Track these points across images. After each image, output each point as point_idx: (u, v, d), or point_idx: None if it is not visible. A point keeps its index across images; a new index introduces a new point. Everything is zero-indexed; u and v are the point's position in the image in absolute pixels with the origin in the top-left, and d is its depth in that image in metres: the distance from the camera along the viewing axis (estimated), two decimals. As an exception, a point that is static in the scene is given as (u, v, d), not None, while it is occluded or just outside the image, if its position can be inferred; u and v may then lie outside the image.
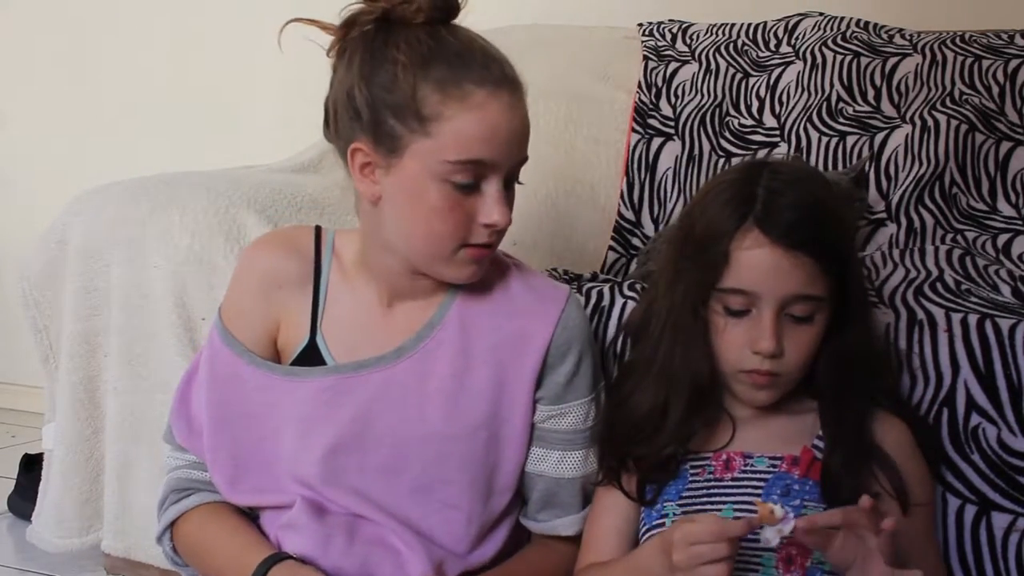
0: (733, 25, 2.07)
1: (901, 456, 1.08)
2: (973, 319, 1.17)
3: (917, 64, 1.85)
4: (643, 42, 2.08)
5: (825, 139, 1.81)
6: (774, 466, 1.08)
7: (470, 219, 1.07)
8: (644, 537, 1.13)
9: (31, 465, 2.09)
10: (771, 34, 2.04)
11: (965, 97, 1.77)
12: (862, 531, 0.94)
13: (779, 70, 1.95)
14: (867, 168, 1.74)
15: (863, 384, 1.10)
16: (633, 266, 1.79)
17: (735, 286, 1.05)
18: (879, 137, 1.77)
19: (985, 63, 1.81)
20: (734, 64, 1.99)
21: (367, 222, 1.14)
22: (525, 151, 1.11)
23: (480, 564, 1.16)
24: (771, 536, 0.95)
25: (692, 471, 1.12)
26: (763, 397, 1.09)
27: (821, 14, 2.04)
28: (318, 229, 1.22)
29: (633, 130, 1.94)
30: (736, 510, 1.07)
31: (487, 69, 1.06)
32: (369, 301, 1.17)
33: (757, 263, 1.04)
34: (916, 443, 1.11)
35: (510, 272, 1.20)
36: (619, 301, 1.33)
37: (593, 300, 1.34)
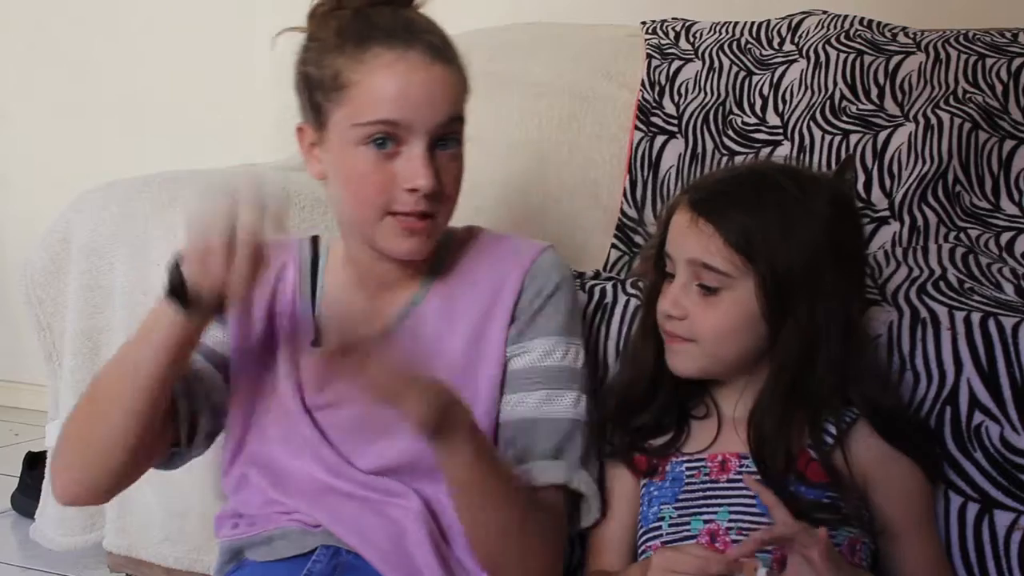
0: (736, 23, 2.07)
1: (880, 461, 1.07)
2: (976, 317, 1.17)
3: (920, 62, 1.85)
4: (646, 40, 2.07)
5: (828, 137, 1.81)
6: None
7: (393, 184, 1.06)
8: (641, 540, 1.14)
9: (34, 463, 2.10)
10: (774, 32, 2.04)
11: (968, 95, 1.77)
12: (807, 554, 0.92)
13: (782, 68, 1.94)
14: (854, 167, 1.74)
15: (816, 374, 1.07)
16: (636, 264, 1.79)
17: (664, 250, 1.13)
18: (882, 135, 1.77)
19: (989, 61, 1.81)
20: (737, 62, 1.99)
21: (331, 205, 1.16)
22: (447, 111, 1.07)
23: None
24: None
25: (688, 473, 1.12)
26: (677, 363, 1.11)
27: (824, 12, 2.03)
28: (314, 238, 1.26)
29: (636, 128, 1.93)
30: (732, 513, 1.07)
31: (395, 33, 1.06)
32: (355, 295, 1.19)
33: (676, 227, 1.12)
34: (903, 454, 1.09)
35: (488, 241, 1.21)
36: (622, 299, 1.33)
37: (596, 298, 1.34)
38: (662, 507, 1.11)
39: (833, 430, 1.07)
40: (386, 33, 1.06)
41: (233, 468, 1.19)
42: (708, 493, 1.09)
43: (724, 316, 1.07)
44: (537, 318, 1.15)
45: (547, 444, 1.12)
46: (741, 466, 1.09)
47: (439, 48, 1.08)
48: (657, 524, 1.11)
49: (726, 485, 1.09)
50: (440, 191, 1.07)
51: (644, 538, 1.13)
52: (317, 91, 1.09)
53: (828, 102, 1.85)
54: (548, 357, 1.14)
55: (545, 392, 1.13)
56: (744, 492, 1.07)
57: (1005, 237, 1.56)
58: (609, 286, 1.36)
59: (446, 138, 1.08)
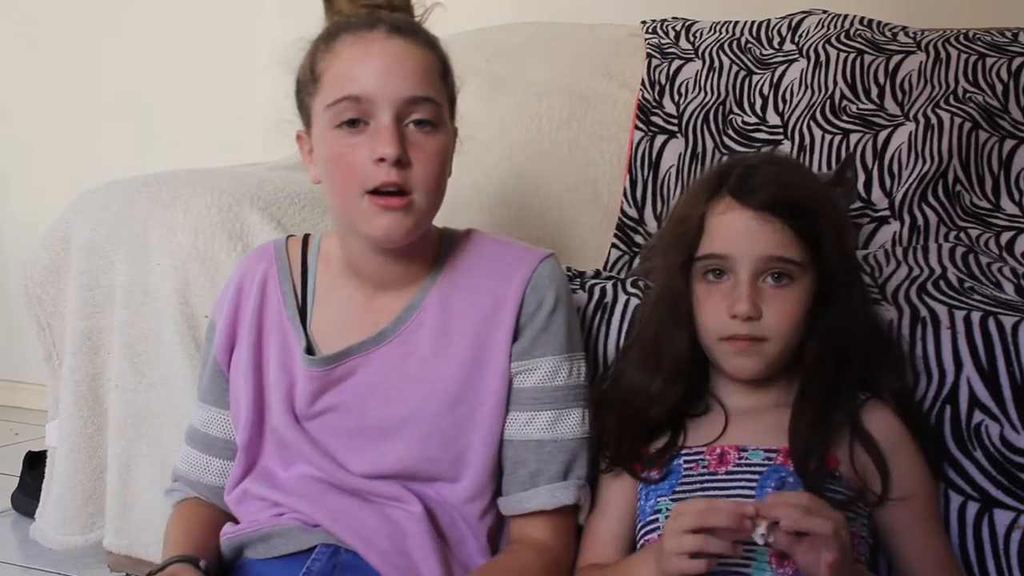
0: (736, 23, 2.07)
1: (889, 445, 1.08)
2: (976, 316, 1.17)
3: (921, 62, 1.85)
4: (646, 40, 2.08)
5: (828, 137, 1.81)
6: (769, 459, 1.08)
7: (365, 160, 1.07)
8: (640, 533, 1.14)
9: (34, 462, 2.10)
10: (774, 32, 2.04)
11: (968, 95, 1.77)
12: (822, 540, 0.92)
13: (782, 68, 1.94)
14: (854, 166, 1.75)
15: (849, 366, 1.10)
16: (636, 263, 1.79)
17: (710, 251, 1.10)
18: (882, 135, 1.77)
19: (989, 61, 1.81)
20: (737, 62, 1.99)
21: (329, 207, 1.18)
22: (410, 84, 1.08)
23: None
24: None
25: (686, 466, 1.12)
26: (747, 365, 1.10)
27: (824, 12, 2.04)
28: (305, 237, 1.26)
29: (636, 127, 1.93)
30: None
31: (360, 20, 1.11)
32: (352, 295, 1.19)
33: (729, 227, 1.09)
34: (910, 435, 1.10)
35: (488, 246, 1.21)
36: (622, 298, 1.33)
37: (596, 297, 1.34)
38: (659, 500, 1.12)
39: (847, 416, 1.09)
40: (352, 23, 1.11)
41: (237, 485, 1.21)
42: (706, 485, 1.09)
43: (794, 308, 1.08)
44: (542, 336, 1.15)
45: (557, 465, 1.15)
46: (740, 458, 1.09)
47: (400, 27, 1.11)
48: (654, 517, 1.11)
49: (724, 477, 1.09)
50: (409, 163, 1.08)
51: (642, 531, 1.13)
52: (302, 91, 1.14)
53: (828, 101, 1.85)
54: (555, 377, 1.15)
55: (554, 412, 1.15)
56: (742, 484, 1.07)
57: (1005, 237, 1.56)
58: (609, 285, 1.36)
59: (419, 117, 1.09)
